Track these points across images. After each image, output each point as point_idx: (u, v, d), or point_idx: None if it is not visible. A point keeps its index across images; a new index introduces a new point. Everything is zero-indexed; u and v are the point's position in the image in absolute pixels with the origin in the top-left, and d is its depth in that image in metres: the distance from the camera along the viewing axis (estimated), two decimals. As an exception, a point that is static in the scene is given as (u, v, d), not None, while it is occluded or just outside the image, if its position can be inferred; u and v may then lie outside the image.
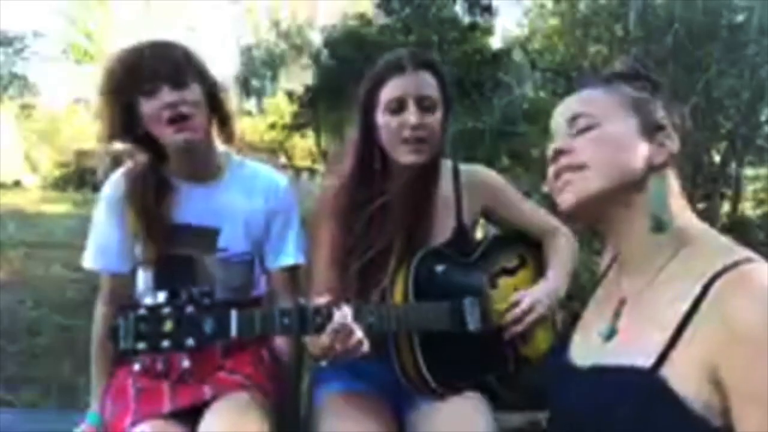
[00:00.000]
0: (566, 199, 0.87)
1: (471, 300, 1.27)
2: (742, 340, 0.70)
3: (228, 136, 1.42)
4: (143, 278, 1.39)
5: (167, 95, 1.24)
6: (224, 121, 1.40)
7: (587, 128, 0.86)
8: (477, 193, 1.42)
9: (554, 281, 1.34)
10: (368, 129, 1.32)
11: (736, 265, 0.75)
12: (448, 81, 1.34)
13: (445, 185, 1.39)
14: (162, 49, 1.29)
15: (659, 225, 0.82)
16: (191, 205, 1.37)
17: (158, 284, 1.37)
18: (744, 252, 0.79)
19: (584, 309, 1.01)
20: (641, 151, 0.84)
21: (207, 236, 1.36)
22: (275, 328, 1.09)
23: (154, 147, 1.34)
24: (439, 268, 1.29)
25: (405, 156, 1.28)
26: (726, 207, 7.05)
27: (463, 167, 1.45)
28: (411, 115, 1.24)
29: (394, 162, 1.32)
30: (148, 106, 1.26)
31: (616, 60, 1.04)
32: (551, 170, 0.89)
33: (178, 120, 1.26)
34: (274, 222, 1.42)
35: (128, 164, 1.39)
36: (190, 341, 1.03)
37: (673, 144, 0.86)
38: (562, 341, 0.99)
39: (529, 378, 1.31)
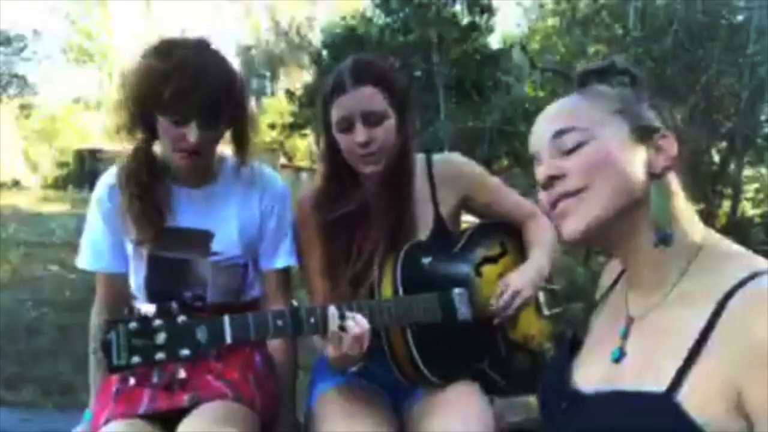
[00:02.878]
0: (570, 229, 0.78)
1: (459, 290, 1.28)
2: (762, 362, 0.63)
3: (242, 157, 1.38)
4: (135, 281, 1.36)
5: (192, 134, 1.21)
6: (241, 144, 1.36)
7: (577, 146, 0.77)
8: (453, 183, 1.40)
9: (537, 263, 1.34)
10: (330, 142, 1.33)
11: (753, 277, 0.68)
12: (396, 85, 1.32)
13: (421, 180, 1.39)
14: (207, 78, 1.19)
15: (664, 239, 0.75)
16: (185, 209, 1.34)
17: (150, 286, 1.34)
18: (761, 262, 0.72)
19: (587, 327, 0.93)
20: (639, 161, 0.76)
21: (201, 240, 1.34)
22: (269, 332, 1.08)
23: (155, 134, 1.31)
24: (426, 260, 1.29)
25: (362, 168, 1.30)
26: (725, 207, 7.06)
27: (436, 158, 1.43)
28: (358, 134, 1.25)
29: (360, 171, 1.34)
30: (169, 131, 1.23)
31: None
32: (545, 198, 0.80)
33: (190, 153, 1.25)
34: (268, 222, 1.40)
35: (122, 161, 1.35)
36: (185, 351, 1.00)
37: (671, 146, 0.78)
38: (562, 361, 0.91)
39: (520, 362, 1.32)
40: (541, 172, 0.80)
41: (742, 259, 0.74)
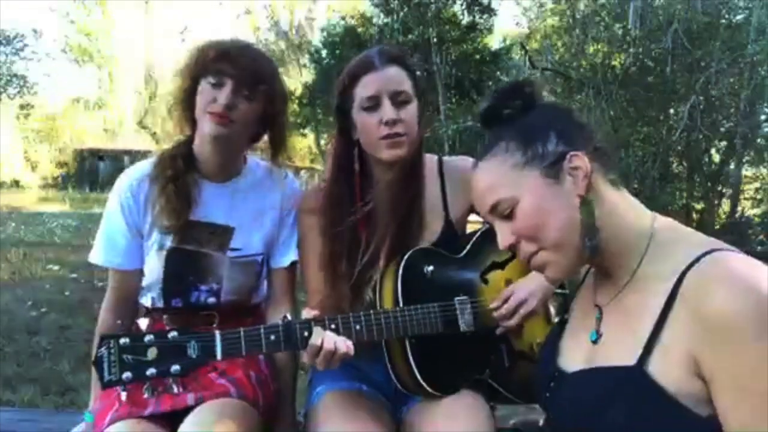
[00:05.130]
0: (551, 278, 0.89)
1: (461, 299, 1.24)
2: (715, 329, 0.71)
3: (275, 154, 1.42)
4: (150, 274, 1.36)
5: (223, 95, 1.25)
6: (275, 141, 1.41)
7: (510, 212, 0.86)
8: (464, 186, 1.38)
9: None
10: (346, 130, 1.30)
11: (706, 255, 0.76)
12: (418, 75, 1.33)
13: (432, 182, 1.35)
14: (255, 55, 1.32)
15: (591, 249, 0.84)
16: (209, 203, 1.36)
17: (167, 280, 1.35)
18: (711, 242, 0.80)
19: (569, 314, 1.01)
20: (564, 195, 0.84)
21: (222, 235, 1.36)
22: (261, 346, 1.08)
23: (192, 134, 1.36)
24: (428, 268, 1.26)
25: (385, 152, 1.25)
26: (725, 206, 7.06)
27: (447, 160, 1.40)
28: (386, 112, 1.23)
29: (374, 162, 1.30)
30: (205, 93, 1.28)
31: (481, 101, 1.00)
32: (518, 256, 0.90)
33: (220, 117, 1.26)
34: (285, 221, 1.42)
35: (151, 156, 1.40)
36: (175, 367, 1.02)
37: (582, 161, 0.84)
38: (550, 348, 0.98)
39: (524, 371, 1.26)
40: (500, 243, 0.90)
41: (692, 239, 0.82)
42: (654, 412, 0.74)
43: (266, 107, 1.32)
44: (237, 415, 1.18)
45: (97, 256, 1.39)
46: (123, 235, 1.36)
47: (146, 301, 1.39)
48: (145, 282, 1.38)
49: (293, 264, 1.43)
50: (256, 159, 1.47)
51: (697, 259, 0.76)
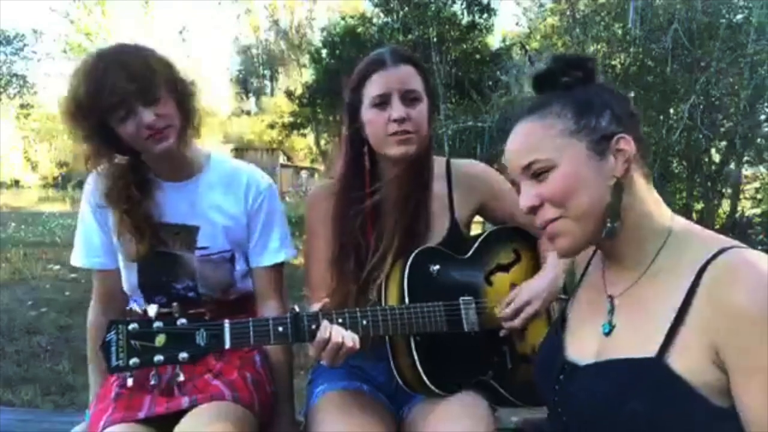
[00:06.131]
0: (561, 248, 0.89)
1: (466, 299, 1.26)
2: (739, 320, 0.73)
3: (196, 132, 1.37)
4: (126, 277, 1.37)
5: (144, 116, 1.22)
6: (193, 119, 1.35)
7: (543, 172, 0.87)
8: (471, 188, 1.38)
9: (550, 275, 1.29)
10: (356, 127, 1.30)
11: (723, 251, 0.78)
12: (429, 76, 1.34)
13: (439, 183, 1.36)
14: (127, 64, 1.22)
15: (610, 232, 0.85)
16: (170, 204, 1.35)
17: (142, 282, 1.36)
18: (728, 240, 0.82)
19: (569, 308, 1.01)
20: (602, 173, 0.85)
21: (186, 234, 1.36)
22: (270, 338, 1.08)
23: (133, 151, 1.31)
24: (434, 267, 1.26)
25: (393, 149, 1.26)
26: (725, 206, 7.06)
27: (455, 162, 1.42)
28: (395, 110, 1.24)
29: (383, 159, 1.31)
30: (127, 128, 1.23)
31: (538, 62, 0.99)
32: (535, 221, 0.90)
33: (162, 132, 1.25)
34: (254, 221, 1.40)
35: (105, 164, 1.33)
36: (183, 354, 1.02)
37: (628, 145, 0.85)
38: (553, 341, 0.98)
39: (526, 374, 1.25)
40: (522, 202, 0.90)
41: (709, 237, 0.84)
42: (674, 402, 0.76)
43: (173, 92, 1.28)
44: (231, 418, 1.17)
45: (77, 258, 1.41)
46: (98, 235, 1.37)
47: (135, 307, 1.40)
48: (126, 290, 1.38)
49: (277, 265, 1.42)
50: (222, 156, 1.45)
51: (716, 255, 0.78)
